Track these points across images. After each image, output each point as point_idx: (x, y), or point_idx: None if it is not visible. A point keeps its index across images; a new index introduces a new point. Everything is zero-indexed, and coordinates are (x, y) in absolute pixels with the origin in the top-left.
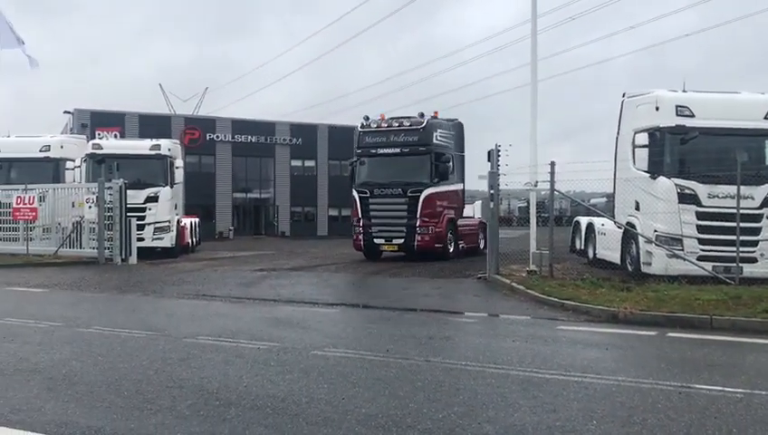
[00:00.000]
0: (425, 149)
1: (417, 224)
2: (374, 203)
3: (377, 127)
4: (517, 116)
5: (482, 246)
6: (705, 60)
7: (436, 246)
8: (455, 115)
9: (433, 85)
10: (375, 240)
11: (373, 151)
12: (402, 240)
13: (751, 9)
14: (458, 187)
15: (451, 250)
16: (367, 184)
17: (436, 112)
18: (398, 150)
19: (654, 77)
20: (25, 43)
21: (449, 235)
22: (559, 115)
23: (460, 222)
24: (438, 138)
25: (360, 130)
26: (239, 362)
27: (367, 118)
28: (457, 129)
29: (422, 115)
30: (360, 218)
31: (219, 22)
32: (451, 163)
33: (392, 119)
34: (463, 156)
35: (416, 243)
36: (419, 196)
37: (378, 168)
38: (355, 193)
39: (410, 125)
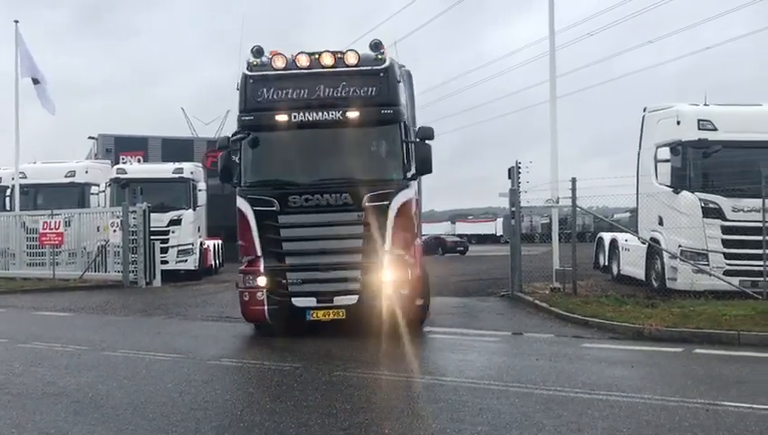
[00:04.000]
0: (390, 113)
1: (387, 263)
2: (289, 224)
3: (284, 69)
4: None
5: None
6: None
7: (419, 303)
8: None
9: (462, 99)
10: (295, 300)
11: (280, 119)
12: (355, 298)
13: None
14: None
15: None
16: (271, 185)
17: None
18: (335, 115)
19: (697, 88)
20: (45, 83)
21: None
22: (596, 130)
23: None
24: (403, 95)
25: (247, 73)
26: (263, 383)
27: (259, 52)
28: (409, 82)
29: (376, 47)
30: (257, 257)
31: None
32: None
33: (316, 54)
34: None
35: (384, 303)
36: (388, 206)
37: (292, 151)
38: (244, 203)
39: (357, 64)
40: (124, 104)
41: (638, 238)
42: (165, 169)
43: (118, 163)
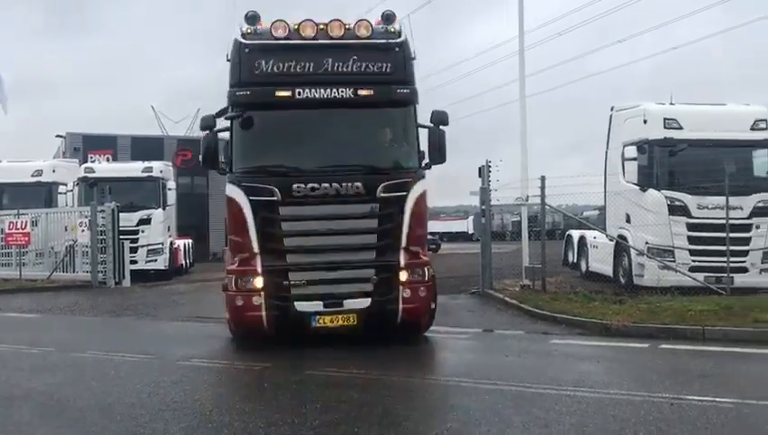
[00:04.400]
0: (407, 93)
1: (403, 261)
2: (292, 216)
3: (286, 37)
4: (530, 128)
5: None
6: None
7: (433, 307)
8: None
9: (436, 97)
10: (298, 304)
11: (281, 95)
12: (368, 300)
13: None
14: None
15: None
16: (270, 171)
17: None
18: (345, 93)
19: (672, 86)
20: (3, 82)
21: None
22: (570, 128)
23: None
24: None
25: (241, 42)
26: (233, 383)
27: (254, 18)
28: None
29: (388, 19)
30: (253, 253)
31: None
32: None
33: (323, 24)
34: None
35: (400, 306)
36: (405, 197)
37: (295, 132)
38: (237, 192)
39: (369, 37)
40: (92, 102)
41: (606, 236)
42: (134, 168)
43: (86, 162)
